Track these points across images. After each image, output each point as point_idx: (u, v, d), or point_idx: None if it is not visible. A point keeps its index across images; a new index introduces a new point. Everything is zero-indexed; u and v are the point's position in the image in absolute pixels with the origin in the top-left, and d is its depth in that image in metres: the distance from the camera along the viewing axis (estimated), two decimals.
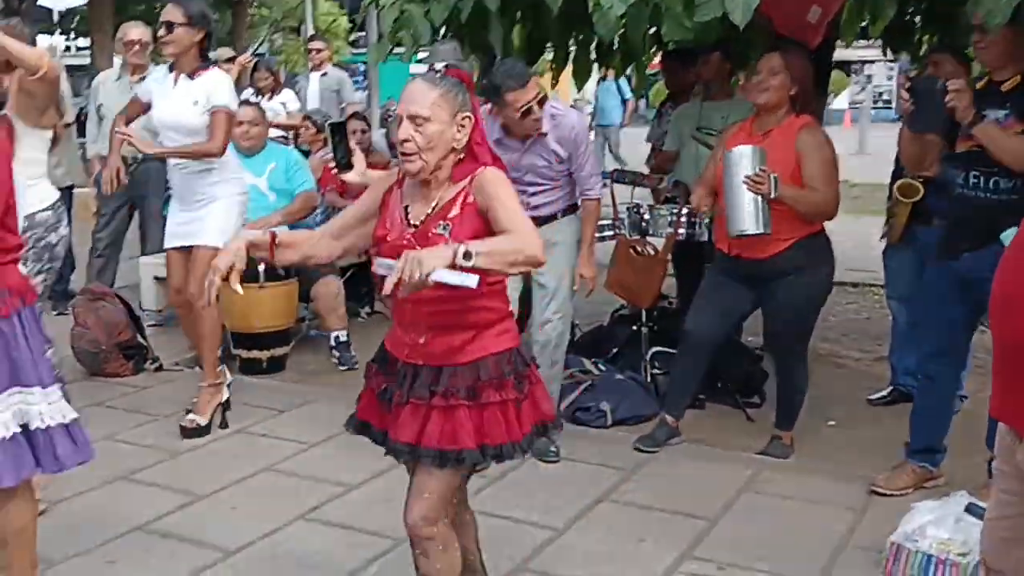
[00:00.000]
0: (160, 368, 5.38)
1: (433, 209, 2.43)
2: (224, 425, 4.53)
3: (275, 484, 3.95)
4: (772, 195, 3.80)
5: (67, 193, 5.76)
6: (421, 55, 5.50)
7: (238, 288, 2.39)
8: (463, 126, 2.40)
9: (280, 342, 5.44)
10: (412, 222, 2.44)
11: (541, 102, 3.89)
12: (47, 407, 2.73)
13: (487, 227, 2.36)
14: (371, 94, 13.65)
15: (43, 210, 3.81)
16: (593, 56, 5.56)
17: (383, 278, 2.21)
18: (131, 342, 5.31)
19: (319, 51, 8.50)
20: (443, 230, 2.38)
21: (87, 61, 21.15)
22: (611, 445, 4.35)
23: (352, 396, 5.09)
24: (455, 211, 2.40)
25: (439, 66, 2.39)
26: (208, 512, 3.68)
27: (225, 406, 4.55)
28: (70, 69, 11.07)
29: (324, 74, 8.39)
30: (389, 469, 4.07)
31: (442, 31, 5.17)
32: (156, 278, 6.11)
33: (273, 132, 6.43)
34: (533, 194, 4.13)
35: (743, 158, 3.86)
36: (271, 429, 4.55)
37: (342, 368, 5.50)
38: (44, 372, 2.75)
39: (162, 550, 3.38)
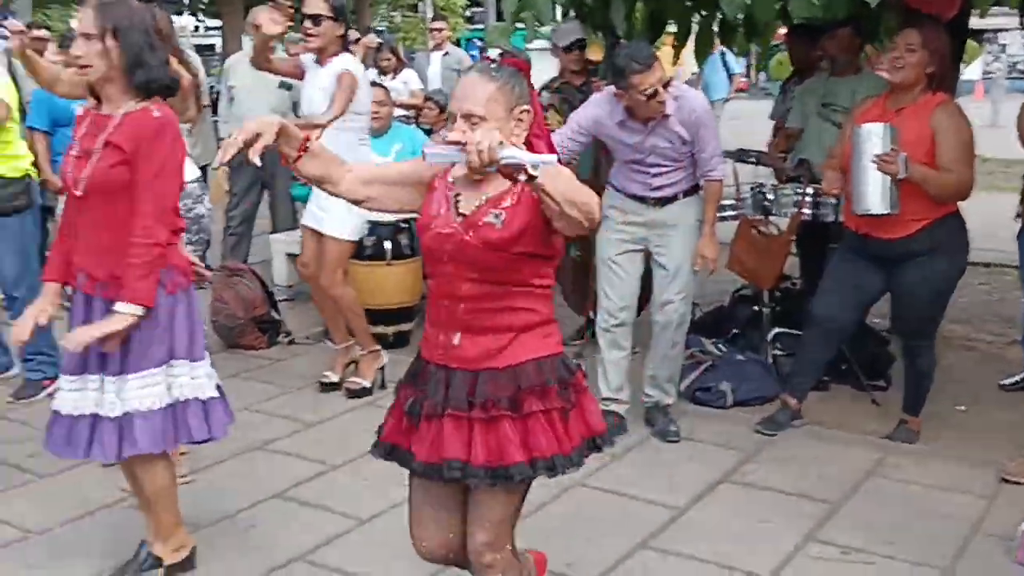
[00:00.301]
0: (292, 341, 5.60)
1: (485, 200, 2.24)
2: (383, 386, 4.79)
3: None
4: (901, 176, 3.71)
5: (201, 173, 6.02)
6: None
7: (256, 160, 2.16)
8: (521, 120, 2.21)
9: (405, 318, 5.59)
10: (461, 211, 2.26)
11: (666, 85, 3.88)
12: (189, 381, 2.92)
13: (543, 220, 2.16)
14: None
15: (190, 182, 4.01)
16: (716, 30, 5.52)
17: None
18: (266, 316, 5.55)
19: (440, 31, 8.63)
20: (495, 219, 2.20)
21: (215, 41, 21.80)
22: (732, 426, 4.35)
23: None
24: (509, 201, 2.22)
25: (494, 55, 2.21)
26: (341, 481, 3.84)
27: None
28: (199, 49, 11.47)
29: (445, 53, 8.52)
30: None
31: (561, 11, 5.22)
32: (287, 254, 6.34)
33: (395, 111, 6.56)
34: (655, 175, 4.14)
35: (872, 136, 3.78)
36: None
37: None
38: (196, 347, 2.93)
39: (299, 516, 3.56)
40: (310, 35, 4.42)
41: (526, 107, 2.21)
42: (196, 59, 6.17)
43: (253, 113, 6.34)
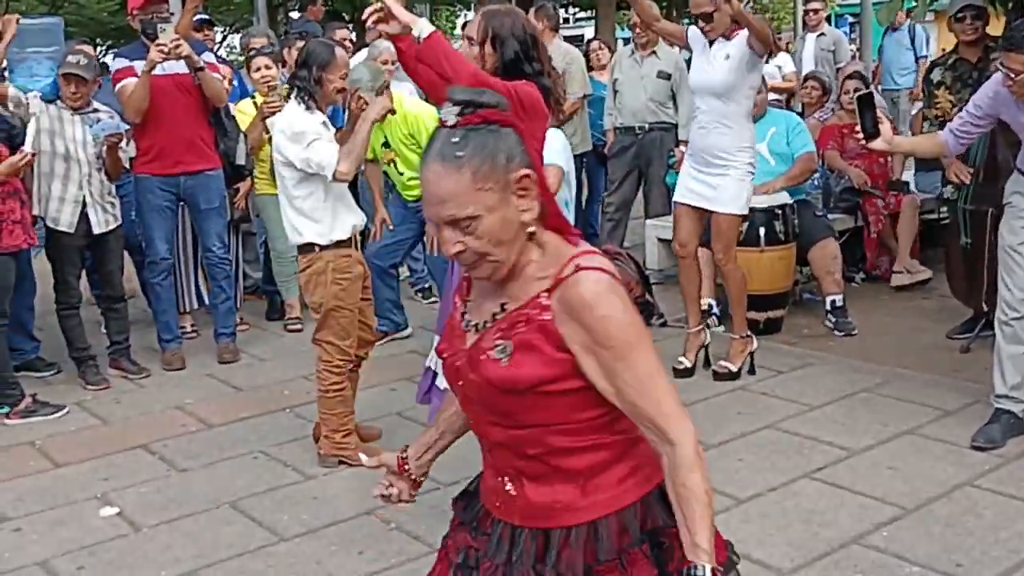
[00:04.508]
0: (664, 324, 5.76)
1: (498, 313, 1.69)
2: (752, 371, 4.89)
3: (778, 441, 4.10)
4: None
5: (579, 160, 6.35)
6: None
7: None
8: (525, 189, 1.62)
9: (777, 304, 5.57)
10: (470, 325, 1.73)
11: None
12: None
13: (571, 372, 1.63)
14: (862, 50, 13.11)
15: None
16: None
17: None
18: (641, 298, 5.72)
19: (816, 12, 8.43)
20: (501, 354, 1.64)
21: (587, 31, 22.55)
22: None
23: (851, 365, 5.06)
24: (522, 329, 1.64)
25: (451, 120, 1.60)
26: (716, 461, 3.93)
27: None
28: (570, 40, 11.96)
29: (821, 35, 8.31)
30: (893, 437, 4.07)
31: None
32: (659, 239, 6.54)
33: (769, 96, 6.51)
34: None
35: None
36: (771, 388, 4.71)
37: (838, 333, 5.49)
38: None
39: None
40: (707, 31, 4.57)
41: (524, 170, 1.61)
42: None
43: (636, 103, 6.65)
